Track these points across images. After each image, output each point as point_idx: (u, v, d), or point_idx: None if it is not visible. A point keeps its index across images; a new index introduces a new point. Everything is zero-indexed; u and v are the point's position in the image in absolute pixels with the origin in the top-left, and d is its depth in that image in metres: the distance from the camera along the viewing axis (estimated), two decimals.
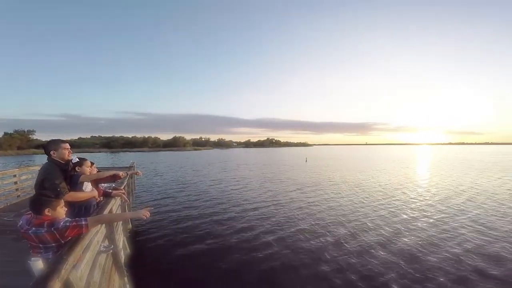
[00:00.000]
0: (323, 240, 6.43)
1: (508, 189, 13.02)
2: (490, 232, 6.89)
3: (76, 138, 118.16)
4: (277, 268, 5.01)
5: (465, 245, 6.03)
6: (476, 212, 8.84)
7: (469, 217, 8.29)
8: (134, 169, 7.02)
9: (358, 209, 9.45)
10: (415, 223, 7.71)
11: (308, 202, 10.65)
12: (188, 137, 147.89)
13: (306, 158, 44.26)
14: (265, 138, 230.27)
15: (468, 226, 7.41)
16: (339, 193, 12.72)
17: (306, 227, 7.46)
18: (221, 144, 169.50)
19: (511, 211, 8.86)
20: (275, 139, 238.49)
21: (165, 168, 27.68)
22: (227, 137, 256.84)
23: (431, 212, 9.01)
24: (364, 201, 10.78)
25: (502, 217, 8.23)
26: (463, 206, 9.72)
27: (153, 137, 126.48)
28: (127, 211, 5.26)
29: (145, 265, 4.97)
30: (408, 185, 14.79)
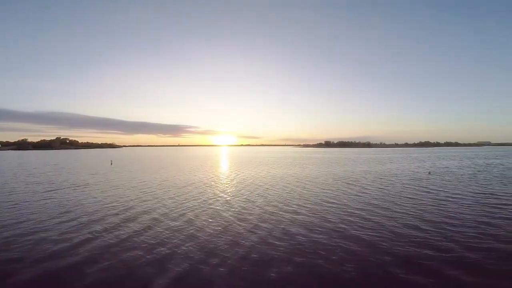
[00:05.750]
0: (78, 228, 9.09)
1: (242, 176, 23.41)
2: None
3: None
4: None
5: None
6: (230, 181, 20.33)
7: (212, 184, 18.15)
8: None
9: (138, 200, 13.78)
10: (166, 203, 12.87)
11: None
12: None
13: (111, 161, 45.86)
14: (54, 138, 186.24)
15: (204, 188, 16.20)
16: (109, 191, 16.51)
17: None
18: None
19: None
20: (70, 139, 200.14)
21: None
22: None
23: (184, 192, 15.42)
24: (141, 193, 15.70)
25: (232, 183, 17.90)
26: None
27: None
28: None
29: None
30: (179, 177, 22.21)
